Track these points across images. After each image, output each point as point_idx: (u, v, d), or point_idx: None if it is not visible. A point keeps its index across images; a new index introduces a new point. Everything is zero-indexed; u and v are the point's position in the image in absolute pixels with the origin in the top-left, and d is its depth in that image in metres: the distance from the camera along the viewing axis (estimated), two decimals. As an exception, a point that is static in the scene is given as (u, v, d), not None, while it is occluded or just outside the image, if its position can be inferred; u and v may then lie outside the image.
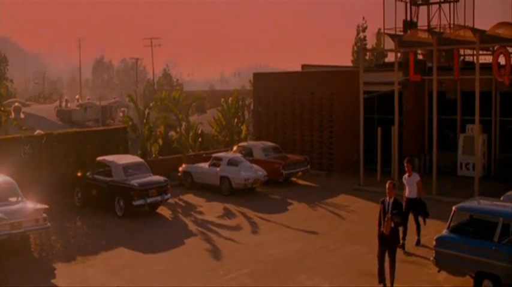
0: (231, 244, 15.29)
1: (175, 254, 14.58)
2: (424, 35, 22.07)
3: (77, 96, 65.23)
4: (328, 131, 25.70)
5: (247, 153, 23.59)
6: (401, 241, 13.21)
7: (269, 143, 24.82)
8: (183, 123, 27.32)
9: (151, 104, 28.54)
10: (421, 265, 13.21)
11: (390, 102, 22.54)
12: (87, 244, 15.30)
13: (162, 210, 19.11)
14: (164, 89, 52.50)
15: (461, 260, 11.24)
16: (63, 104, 53.85)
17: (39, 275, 12.97)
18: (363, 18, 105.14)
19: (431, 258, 11.86)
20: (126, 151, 22.28)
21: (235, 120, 29.91)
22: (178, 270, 13.29)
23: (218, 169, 21.61)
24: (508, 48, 20.03)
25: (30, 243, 14.84)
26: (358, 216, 18.15)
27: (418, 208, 14.46)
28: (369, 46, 61.46)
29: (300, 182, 23.83)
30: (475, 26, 25.40)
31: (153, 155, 25.02)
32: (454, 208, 11.80)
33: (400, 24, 29.47)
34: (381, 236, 11.31)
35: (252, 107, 31.80)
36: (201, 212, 18.98)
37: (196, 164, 23.17)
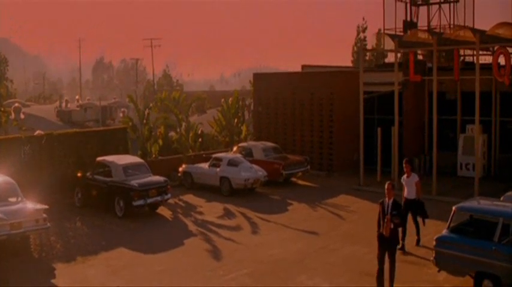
0: (231, 244, 15.29)
1: (175, 254, 14.58)
2: (424, 36, 22.08)
3: (77, 97, 65.18)
4: (328, 132, 25.70)
5: (247, 153, 23.60)
6: (400, 242, 13.21)
7: (269, 144, 24.82)
8: (183, 124, 27.32)
9: (151, 105, 28.52)
10: (421, 265, 13.22)
11: (390, 102, 22.54)
12: (87, 244, 15.30)
13: (162, 210, 19.12)
14: (164, 90, 52.48)
15: (461, 260, 11.24)
16: (63, 104, 53.82)
17: (39, 275, 12.97)
18: (363, 18, 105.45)
19: (431, 258, 11.86)
20: (126, 151, 22.28)
21: (235, 120, 29.91)
22: (178, 270, 13.29)
23: (218, 169, 21.61)
24: (508, 48, 20.04)
25: (30, 243, 14.85)
26: (358, 216, 18.15)
27: (417, 208, 14.46)
28: (369, 46, 61.46)
29: (300, 182, 23.83)
30: (475, 26, 25.42)
31: (153, 156, 25.02)
32: (454, 208, 11.80)
33: (400, 25, 29.49)
34: (381, 237, 11.27)
35: (252, 107, 31.80)
36: (201, 213, 18.98)
37: (196, 165, 23.18)
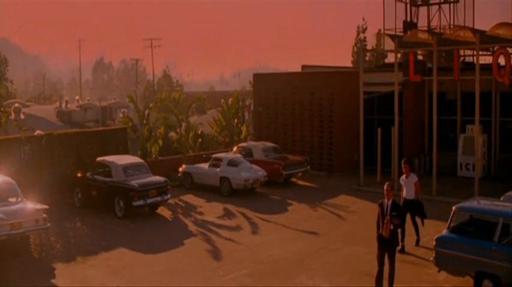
0: (231, 245, 15.29)
1: (175, 254, 14.57)
2: (424, 36, 22.08)
3: (77, 97, 65.19)
4: (328, 132, 25.70)
5: (247, 153, 23.60)
6: (400, 244, 13.20)
7: (269, 144, 24.82)
8: (183, 124, 27.31)
9: (151, 105, 28.52)
10: (421, 265, 13.22)
11: (390, 102, 22.54)
12: (87, 245, 15.30)
13: (162, 210, 19.11)
14: (164, 90, 52.42)
15: (461, 260, 11.24)
16: (63, 104, 53.83)
17: (39, 275, 12.97)
18: (363, 19, 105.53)
19: (431, 258, 11.86)
20: (126, 152, 22.28)
21: (235, 121, 29.91)
22: (178, 270, 13.29)
23: (218, 169, 21.61)
24: (508, 48, 20.04)
25: (30, 243, 14.85)
26: (358, 216, 18.14)
27: (416, 208, 14.44)
28: (368, 47, 61.38)
29: (300, 182, 23.83)
30: (475, 27, 25.43)
31: (153, 156, 25.02)
32: (454, 208, 11.80)
33: (400, 25, 29.53)
34: (380, 239, 11.23)
35: (252, 107, 31.80)
36: (201, 213, 18.98)
37: (196, 165, 23.18)
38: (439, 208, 17.11)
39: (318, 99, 26.00)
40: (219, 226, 17.19)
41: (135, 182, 17.97)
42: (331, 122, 25.61)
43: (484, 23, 24.02)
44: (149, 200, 18.05)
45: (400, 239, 13.13)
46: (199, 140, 28.49)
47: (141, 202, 17.80)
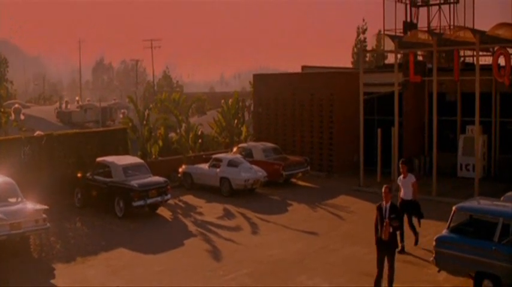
0: (231, 245, 15.29)
1: (175, 254, 14.57)
2: (424, 36, 22.09)
3: (77, 98, 65.28)
4: (328, 132, 25.70)
5: (247, 154, 23.60)
6: (400, 245, 13.19)
7: (269, 144, 24.82)
8: (183, 125, 27.33)
9: (151, 106, 28.54)
10: (421, 265, 13.23)
11: (390, 103, 22.55)
12: (87, 245, 15.30)
13: (162, 211, 19.11)
14: (164, 91, 52.46)
15: (461, 260, 11.24)
16: (63, 105, 53.93)
17: (39, 275, 12.97)
18: (363, 20, 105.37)
19: (431, 258, 11.85)
20: (126, 152, 22.29)
21: (235, 121, 29.92)
22: (178, 271, 13.29)
23: (218, 169, 21.61)
24: (508, 49, 20.03)
25: (30, 243, 14.85)
26: (358, 217, 18.14)
27: (413, 209, 14.41)
28: (369, 48, 61.53)
29: (300, 183, 23.83)
30: (475, 27, 25.46)
31: (153, 156, 25.02)
32: (454, 207, 11.80)
33: (400, 26, 29.56)
34: (379, 242, 11.17)
35: (252, 108, 31.81)
36: (201, 213, 18.97)
37: (196, 165, 23.17)
38: (439, 208, 17.11)
39: (318, 99, 26.01)
40: (219, 226, 17.18)
41: (135, 183, 17.97)
42: (331, 123, 25.61)
43: (484, 23, 24.07)
44: (149, 201, 18.04)
45: (399, 240, 13.13)
46: (199, 140, 28.48)
47: (141, 202, 17.80)
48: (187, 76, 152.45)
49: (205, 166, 22.51)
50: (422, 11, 30.44)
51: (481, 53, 22.65)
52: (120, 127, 25.39)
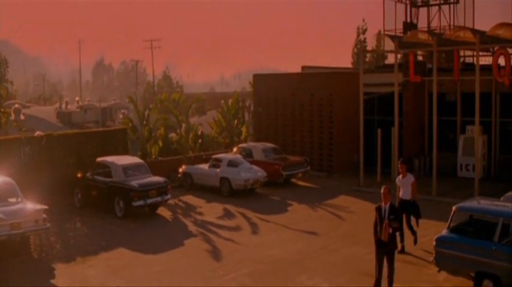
0: (230, 245, 15.29)
1: (175, 254, 14.57)
2: (424, 36, 22.09)
3: (77, 98, 65.22)
4: (328, 133, 25.71)
5: (247, 154, 23.60)
6: (400, 245, 13.18)
7: (269, 145, 24.82)
8: (183, 125, 27.34)
9: (151, 106, 28.58)
10: (421, 265, 13.23)
11: (390, 103, 22.56)
12: (87, 245, 15.29)
13: (162, 211, 19.11)
14: (164, 91, 52.48)
15: (461, 260, 11.24)
16: (63, 105, 53.89)
17: (39, 275, 12.97)
18: (363, 20, 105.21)
19: (431, 258, 11.85)
20: (125, 152, 22.29)
21: (235, 121, 29.94)
22: (178, 270, 13.29)
23: (218, 170, 21.61)
24: (508, 49, 20.04)
25: (30, 243, 14.85)
26: (358, 217, 18.13)
27: (411, 209, 14.40)
28: (369, 48, 61.55)
29: (300, 183, 23.83)
30: (475, 27, 25.45)
31: (153, 156, 25.03)
32: (454, 207, 11.80)
33: (400, 26, 29.56)
34: (379, 243, 11.13)
35: (252, 108, 31.83)
36: (201, 213, 18.97)
37: (196, 165, 23.18)
38: (439, 208, 17.11)
39: (317, 100, 26.01)
40: (219, 226, 17.18)
41: (135, 183, 17.97)
42: (331, 123, 25.61)
43: (484, 24, 24.09)
44: (149, 201, 18.04)
45: (399, 240, 13.12)
46: (199, 140, 28.50)
47: (141, 202, 17.80)
48: (187, 76, 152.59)
49: (205, 166, 22.51)
50: (422, 11, 30.47)
51: (481, 53, 22.65)
52: (120, 127, 25.39)
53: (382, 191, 11.26)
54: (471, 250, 11.09)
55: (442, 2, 29.55)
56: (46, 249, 14.91)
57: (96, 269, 13.40)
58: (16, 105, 38.44)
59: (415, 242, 14.39)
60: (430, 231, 14.54)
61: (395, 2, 29.58)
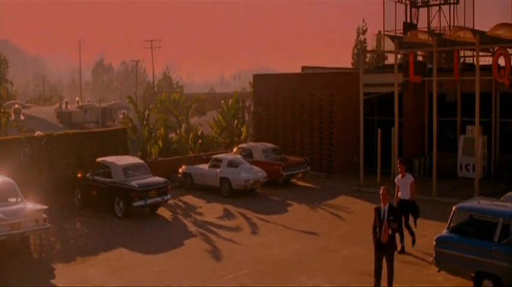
0: (230, 245, 15.29)
1: (175, 254, 14.57)
2: (424, 37, 22.09)
3: (77, 98, 65.21)
4: (328, 133, 25.70)
5: (247, 154, 23.60)
6: (400, 245, 13.15)
7: (269, 145, 24.82)
8: (183, 125, 27.33)
9: (151, 106, 28.56)
10: (421, 265, 13.22)
11: (390, 103, 22.56)
12: (87, 245, 15.29)
13: (162, 211, 19.11)
14: (164, 91, 52.48)
15: (461, 260, 11.23)
16: (63, 106, 53.90)
17: (39, 275, 12.97)
18: (363, 20, 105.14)
19: (431, 258, 11.85)
20: (125, 152, 22.29)
21: (235, 121, 29.93)
22: (178, 271, 13.28)
23: (218, 170, 21.61)
24: (508, 49, 20.04)
25: (30, 243, 14.85)
26: (358, 217, 18.13)
27: (410, 209, 14.39)
28: (369, 48, 61.53)
29: (300, 183, 23.82)
30: (475, 27, 25.44)
31: (153, 157, 25.03)
32: (454, 207, 11.79)
33: (400, 26, 29.57)
34: (378, 244, 11.13)
35: (252, 108, 31.83)
36: (201, 213, 18.97)
37: (196, 166, 23.18)
38: (439, 208, 17.11)
39: (317, 100, 26.01)
40: (219, 227, 17.18)
41: (135, 183, 17.97)
42: (331, 123, 25.61)
43: (484, 24, 24.03)
44: (149, 201, 18.04)
45: (399, 240, 13.10)
46: (199, 141, 28.50)
47: (141, 203, 17.80)
48: (187, 77, 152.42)
49: (205, 166, 22.51)
50: (422, 11, 30.48)
51: (481, 54, 22.64)
52: (120, 127, 25.39)
53: (381, 192, 11.25)
54: (471, 250, 11.09)
55: (442, 2, 29.56)
56: (46, 249, 14.92)
57: (96, 269, 13.40)
58: (16, 106, 38.52)
59: (413, 243, 14.37)
60: (430, 231, 14.54)
61: (395, 2, 29.59)
